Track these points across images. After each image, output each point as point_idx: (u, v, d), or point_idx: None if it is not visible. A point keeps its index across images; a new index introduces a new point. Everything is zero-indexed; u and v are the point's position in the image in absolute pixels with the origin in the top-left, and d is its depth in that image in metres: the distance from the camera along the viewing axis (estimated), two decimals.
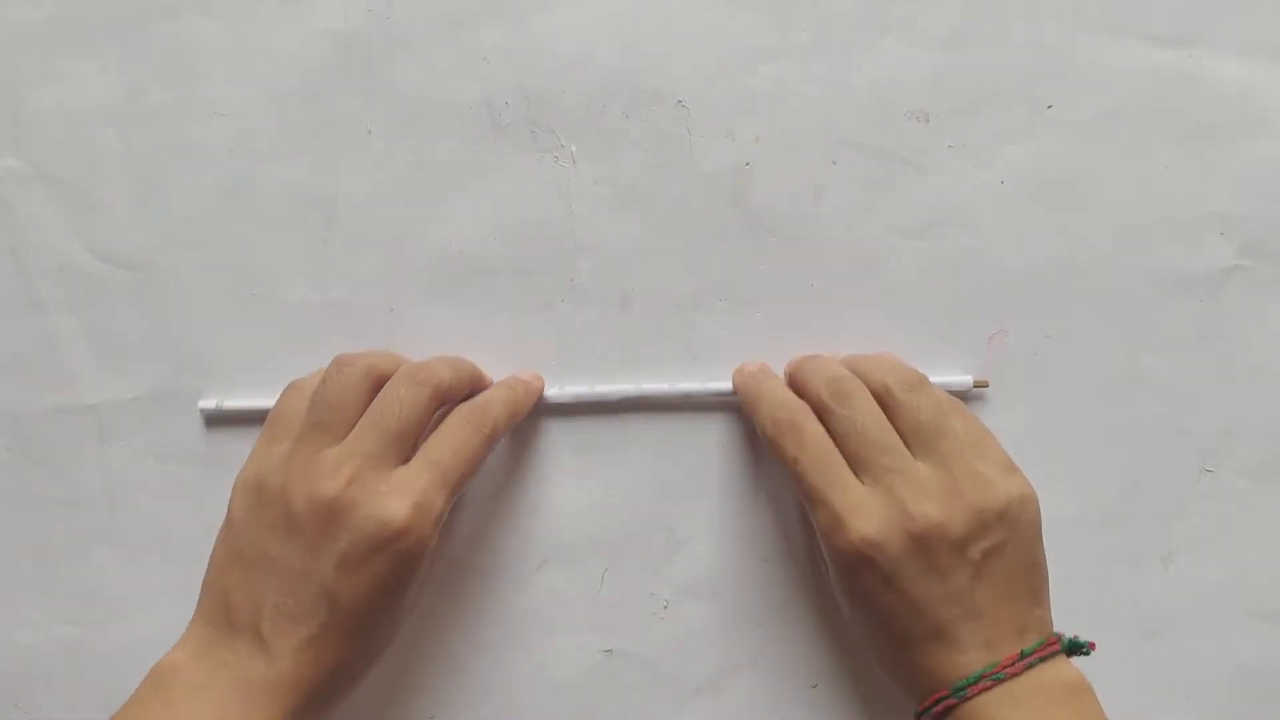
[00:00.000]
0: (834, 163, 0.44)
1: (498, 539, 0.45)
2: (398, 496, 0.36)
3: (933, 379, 0.44)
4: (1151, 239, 0.44)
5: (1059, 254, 0.44)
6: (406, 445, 0.38)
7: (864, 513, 0.37)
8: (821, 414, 0.39)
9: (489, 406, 0.40)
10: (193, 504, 0.44)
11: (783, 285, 0.44)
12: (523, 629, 0.45)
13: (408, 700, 0.44)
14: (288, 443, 0.38)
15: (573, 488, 0.45)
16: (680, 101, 0.44)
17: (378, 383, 0.39)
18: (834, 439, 0.39)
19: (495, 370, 0.44)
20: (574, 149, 0.44)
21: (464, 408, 0.40)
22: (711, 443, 0.45)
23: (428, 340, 0.44)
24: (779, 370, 0.44)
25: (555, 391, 0.44)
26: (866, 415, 0.39)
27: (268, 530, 0.37)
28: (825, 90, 0.44)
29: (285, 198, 0.44)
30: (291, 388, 0.40)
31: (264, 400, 0.43)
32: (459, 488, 0.38)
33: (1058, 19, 0.44)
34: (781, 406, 0.40)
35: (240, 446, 0.44)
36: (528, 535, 0.45)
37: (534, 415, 0.44)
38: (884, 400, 0.39)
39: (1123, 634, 0.45)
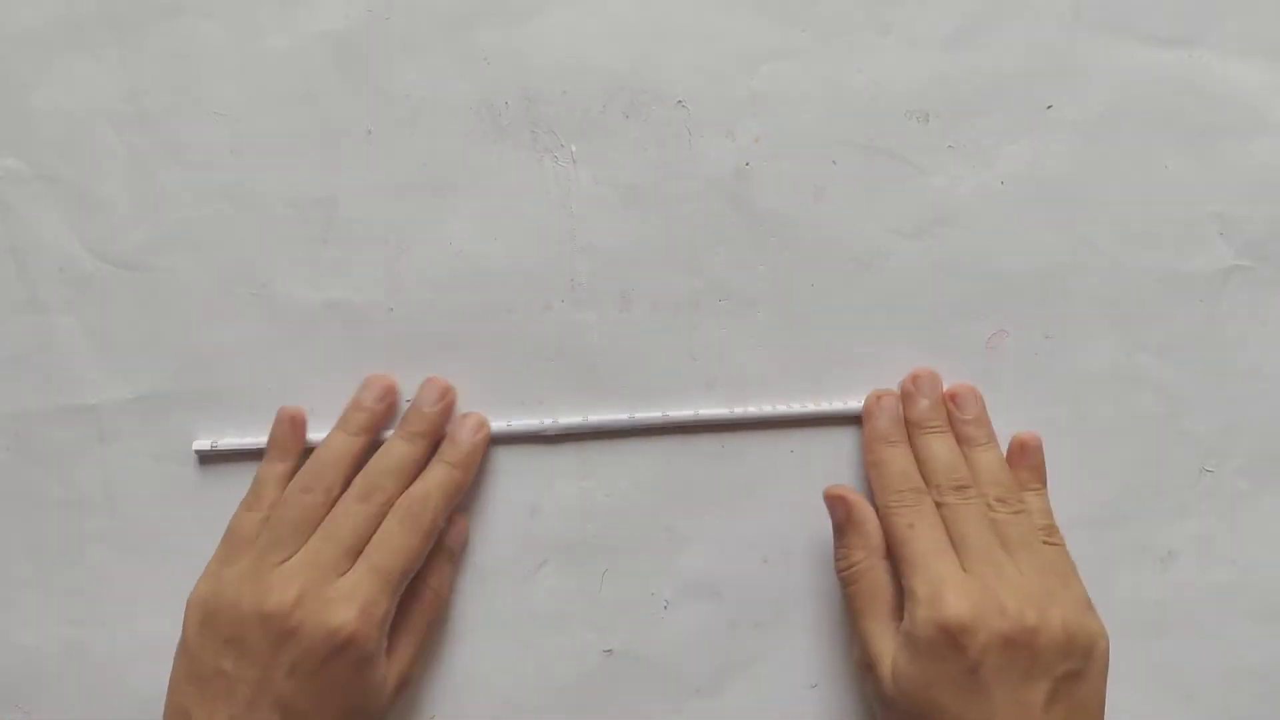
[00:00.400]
0: (834, 163, 0.44)
1: (498, 539, 0.45)
2: (344, 604, 0.39)
3: None
4: (1151, 239, 0.44)
5: (1059, 254, 0.44)
6: (355, 554, 0.40)
7: (964, 593, 0.38)
8: (935, 494, 0.41)
9: (426, 501, 0.41)
10: (192, 504, 0.44)
11: (783, 285, 0.44)
12: (523, 629, 0.45)
13: (408, 700, 0.44)
14: (244, 561, 0.40)
15: (573, 488, 0.45)
16: (680, 101, 0.44)
17: (336, 499, 0.41)
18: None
19: (491, 375, 0.44)
20: (574, 149, 0.44)
21: (401, 507, 0.41)
22: (712, 443, 0.45)
23: (428, 340, 0.44)
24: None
25: (550, 422, 0.44)
26: (978, 512, 0.40)
27: (221, 646, 0.38)
28: (825, 90, 0.44)
29: (285, 198, 0.44)
30: (243, 509, 0.42)
31: (256, 438, 0.44)
32: (400, 587, 0.41)
33: (1058, 19, 0.44)
34: (908, 479, 0.41)
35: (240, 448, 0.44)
36: (528, 535, 0.45)
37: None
38: (989, 507, 0.41)
39: (1123, 634, 0.44)
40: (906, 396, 0.43)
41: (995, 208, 0.44)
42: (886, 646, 0.39)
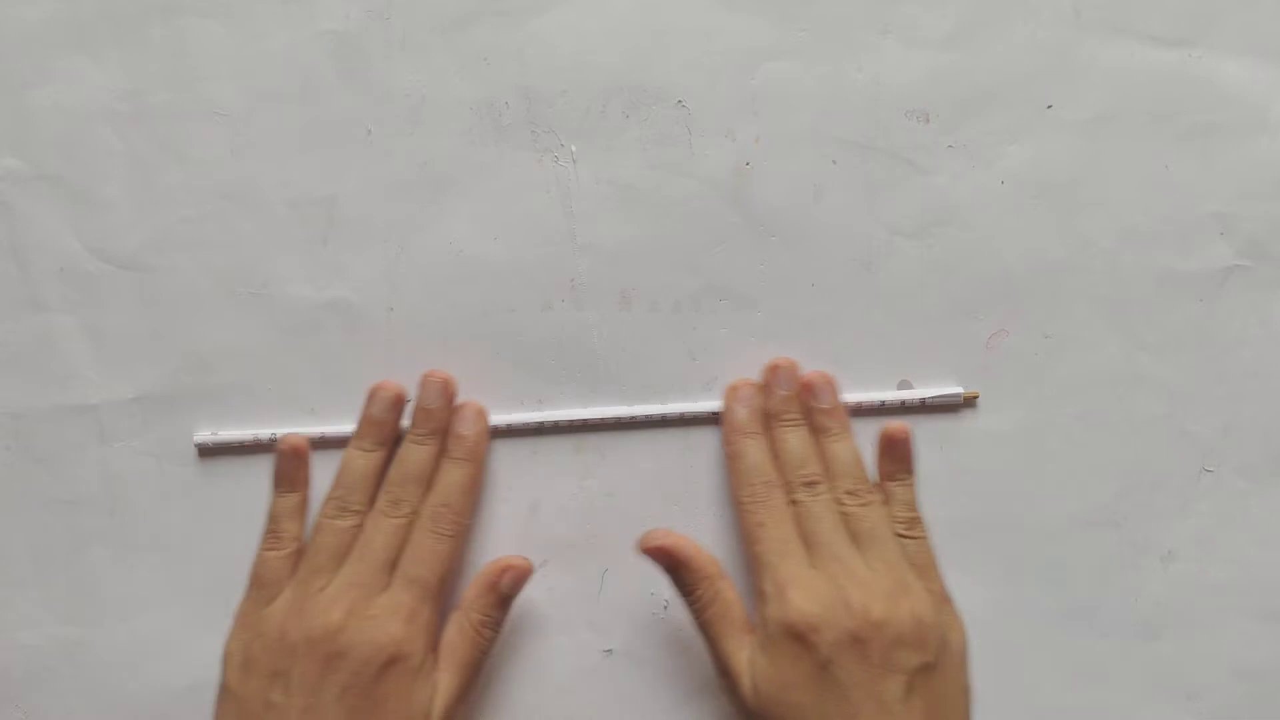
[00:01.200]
0: (834, 163, 0.44)
1: (498, 539, 0.45)
2: (388, 619, 0.39)
3: (925, 388, 0.44)
4: (1151, 239, 0.44)
5: (1059, 254, 0.44)
6: (391, 568, 0.41)
7: (810, 591, 0.38)
8: (787, 490, 0.41)
9: (446, 505, 0.41)
10: (192, 504, 0.44)
11: (783, 285, 0.44)
12: (523, 629, 0.45)
13: None
14: (284, 595, 0.40)
15: (573, 488, 0.45)
16: (680, 101, 0.44)
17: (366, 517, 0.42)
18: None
19: (491, 375, 0.44)
20: (574, 149, 0.44)
21: (424, 516, 0.41)
22: (712, 442, 0.45)
23: (428, 340, 0.44)
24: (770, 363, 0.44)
25: (550, 414, 0.44)
26: (827, 509, 0.41)
27: (268, 680, 0.38)
28: (825, 90, 0.44)
29: (285, 198, 0.44)
30: (265, 549, 0.42)
31: (256, 429, 0.44)
32: (440, 594, 0.41)
33: (1058, 19, 0.44)
34: (760, 473, 0.42)
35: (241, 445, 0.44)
36: (527, 534, 0.45)
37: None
38: (839, 500, 0.41)
39: (1123, 634, 0.44)
40: (765, 387, 0.43)
41: (995, 208, 0.44)
42: (744, 658, 0.39)
